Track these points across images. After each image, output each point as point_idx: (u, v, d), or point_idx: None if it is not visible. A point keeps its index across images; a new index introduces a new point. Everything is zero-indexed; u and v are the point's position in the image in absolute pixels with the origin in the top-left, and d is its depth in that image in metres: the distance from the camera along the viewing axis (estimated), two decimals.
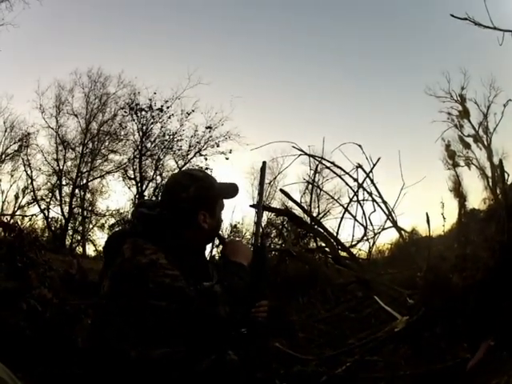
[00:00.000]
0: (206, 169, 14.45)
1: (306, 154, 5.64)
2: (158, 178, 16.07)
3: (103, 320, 1.29)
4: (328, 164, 5.87)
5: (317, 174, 6.69)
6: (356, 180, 5.48)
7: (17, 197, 15.91)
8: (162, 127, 15.91)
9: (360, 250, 5.77)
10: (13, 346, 2.44)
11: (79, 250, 15.88)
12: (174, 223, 1.40)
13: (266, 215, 8.62)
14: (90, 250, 16.06)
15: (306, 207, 6.09)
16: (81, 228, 16.43)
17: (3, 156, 16.02)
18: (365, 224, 5.50)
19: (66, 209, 15.93)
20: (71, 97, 16.56)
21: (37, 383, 2.26)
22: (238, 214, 19.80)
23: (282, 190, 5.84)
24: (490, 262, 2.49)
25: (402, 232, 5.40)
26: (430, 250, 3.63)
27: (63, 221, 15.87)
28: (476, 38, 18.07)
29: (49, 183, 16.25)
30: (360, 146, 5.52)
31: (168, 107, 15.68)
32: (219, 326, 1.30)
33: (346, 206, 5.74)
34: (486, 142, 19.31)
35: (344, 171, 5.60)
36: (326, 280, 4.76)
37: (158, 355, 1.20)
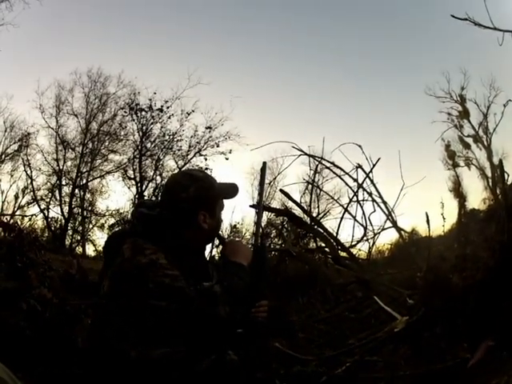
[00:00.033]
0: (206, 169, 14.45)
1: (305, 154, 5.64)
2: (158, 178, 16.11)
3: (103, 320, 1.29)
4: (328, 164, 5.88)
5: (317, 174, 6.70)
6: (356, 180, 5.48)
7: (17, 197, 15.93)
8: (161, 127, 15.95)
9: (360, 250, 5.77)
10: (13, 346, 2.44)
11: (79, 249, 15.90)
12: (173, 223, 1.40)
13: (265, 215, 8.63)
14: (90, 250, 16.10)
15: (305, 207, 6.08)
16: (81, 228, 16.44)
17: (3, 156, 16.03)
18: (365, 224, 5.50)
19: (66, 209, 15.96)
20: (71, 97, 16.59)
21: (37, 383, 2.26)
22: (237, 214, 19.77)
23: (281, 190, 5.84)
24: (490, 262, 2.49)
25: (402, 232, 5.40)
26: (429, 250, 3.63)
27: (63, 221, 15.89)
28: (476, 38, 18.07)
29: (49, 183, 16.28)
30: (360, 146, 5.52)
31: (168, 107, 15.71)
32: (219, 326, 1.30)
33: (345, 206, 5.74)
34: (485, 143, 19.33)
35: (344, 171, 5.61)
36: (326, 280, 4.76)
37: (158, 355, 1.20)
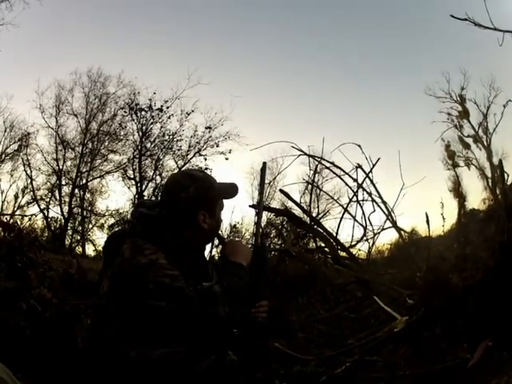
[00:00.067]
0: (206, 169, 14.45)
1: (305, 154, 5.64)
2: (158, 178, 16.09)
3: (103, 320, 1.29)
4: (327, 164, 5.88)
5: (316, 174, 6.71)
6: (356, 180, 5.48)
7: (16, 196, 15.92)
8: (161, 127, 15.93)
9: (359, 250, 5.77)
10: (13, 346, 2.44)
11: (79, 249, 15.88)
12: (173, 223, 1.40)
13: (265, 215, 8.63)
14: (90, 250, 16.07)
15: (305, 207, 6.09)
16: (80, 228, 16.42)
17: (3, 156, 16.02)
18: (364, 224, 5.50)
19: (66, 209, 15.93)
20: (71, 97, 16.56)
21: (37, 383, 2.26)
22: (237, 214, 19.80)
23: (281, 190, 5.85)
24: (490, 262, 2.49)
25: (402, 232, 5.40)
26: (429, 250, 3.63)
27: (63, 221, 15.87)
28: (476, 38, 18.04)
29: (48, 183, 16.26)
30: (359, 146, 5.52)
31: (168, 107, 15.68)
32: (219, 326, 1.30)
33: (345, 206, 5.75)
34: (485, 143, 19.33)
35: (344, 171, 5.61)
36: (326, 280, 4.76)
37: (157, 355, 1.20)
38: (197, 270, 1.39)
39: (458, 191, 17.72)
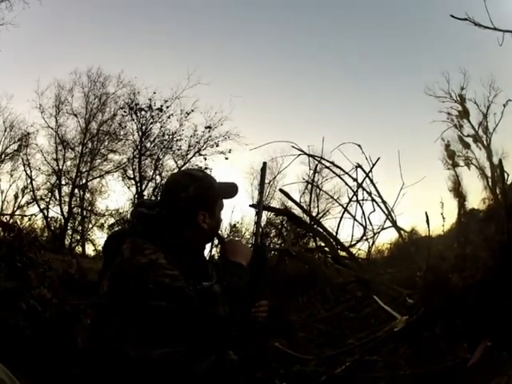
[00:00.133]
0: (206, 168, 14.44)
1: (305, 153, 5.64)
2: (158, 177, 16.09)
3: (103, 320, 1.29)
4: (327, 164, 5.88)
5: (316, 174, 6.72)
6: (355, 180, 5.48)
7: (16, 196, 15.92)
8: (161, 127, 15.92)
9: (359, 249, 5.77)
10: (12, 346, 2.44)
11: (79, 249, 15.88)
12: (173, 223, 1.40)
13: (265, 215, 8.62)
14: (90, 250, 16.08)
15: (305, 207, 6.09)
16: (80, 228, 16.43)
17: (3, 156, 16.00)
18: (364, 224, 5.50)
19: (66, 208, 15.94)
20: (71, 96, 16.54)
21: (36, 383, 2.26)
22: (237, 213, 19.79)
23: (281, 190, 5.85)
24: (490, 262, 2.49)
25: (402, 232, 5.40)
26: (429, 249, 3.63)
27: (62, 220, 15.88)
28: (476, 38, 18.00)
29: (48, 183, 16.25)
30: (359, 145, 5.52)
31: (167, 107, 15.67)
32: (219, 326, 1.30)
33: (345, 205, 5.75)
34: (485, 142, 19.31)
35: (343, 171, 5.61)
36: (326, 280, 4.76)
37: (157, 355, 1.20)
38: (196, 269, 1.39)
39: (457, 191, 17.71)
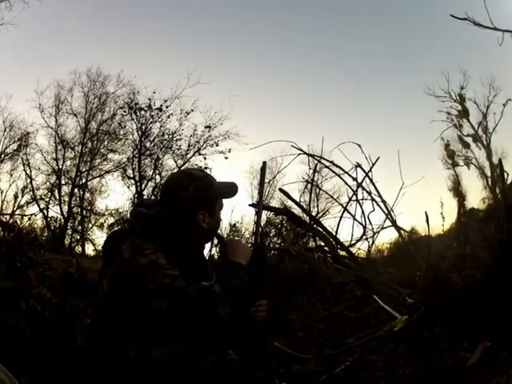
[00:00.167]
0: (205, 168, 14.44)
1: (305, 153, 5.65)
2: (157, 177, 16.07)
3: (103, 320, 1.29)
4: (327, 163, 5.90)
5: (316, 174, 6.74)
6: (355, 179, 5.49)
7: (16, 196, 15.89)
8: (161, 126, 15.89)
9: (359, 249, 5.79)
10: (12, 346, 2.44)
11: (78, 249, 15.88)
12: (173, 222, 1.40)
13: (265, 214, 8.63)
14: (90, 250, 16.06)
15: (305, 206, 6.11)
16: (80, 227, 16.42)
17: (2, 155, 15.98)
18: (364, 223, 5.52)
19: (66, 208, 15.91)
20: (70, 96, 16.51)
21: (36, 383, 2.26)
22: (237, 213, 19.72)
23: (281, 190, 5.84)
24: (490, 262, 2.48)
25: (401, 231, 5.41)
26: (429, 249, 3.63)
27: (62, 220, 15.86)
28: (476, 38, 17.98)
29: (48, 182, 16.23)
30: (359, 145, 5.53)
31: (167, 106, 15.65)
32: (219, 325, 1.29)
33: (345, 205, 5.77)
34: (485, 142, 19.31)
35: (343, 170, 5.62)
36: (326, 279, 4.76)
37: (157, 355, 1.20)
38: (196, 269, 1.39)
39: (457, 190, 17.71)
